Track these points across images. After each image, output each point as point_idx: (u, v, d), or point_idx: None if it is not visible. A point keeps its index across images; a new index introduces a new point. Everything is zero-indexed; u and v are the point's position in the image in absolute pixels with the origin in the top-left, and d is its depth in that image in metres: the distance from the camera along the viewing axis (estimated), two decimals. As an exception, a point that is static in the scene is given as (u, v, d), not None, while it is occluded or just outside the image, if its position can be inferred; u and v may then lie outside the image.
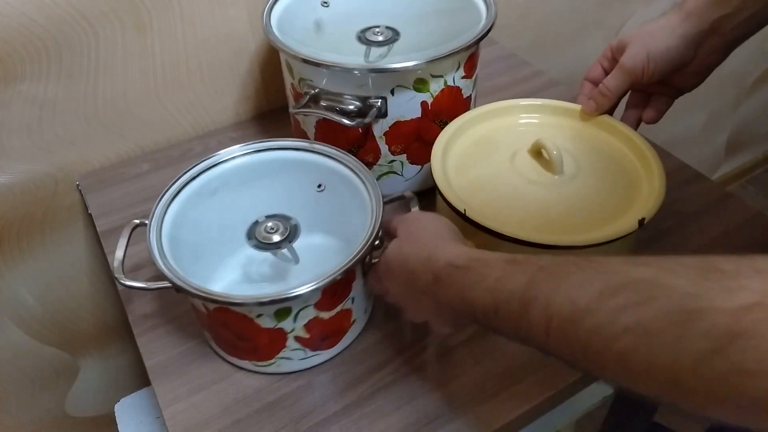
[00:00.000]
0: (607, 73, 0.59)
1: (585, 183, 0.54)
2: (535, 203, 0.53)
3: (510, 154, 0.57)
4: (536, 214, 0.52)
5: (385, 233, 0.50)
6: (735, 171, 1.77)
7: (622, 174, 0.55)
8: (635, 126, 0.60)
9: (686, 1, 0.53)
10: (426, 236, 0.45)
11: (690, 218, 0.64)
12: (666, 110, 0.60)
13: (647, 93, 0.60)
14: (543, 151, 0.55)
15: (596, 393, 1.02)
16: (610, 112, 0.61)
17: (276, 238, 0.54)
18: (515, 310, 0.35)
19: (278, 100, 0.79)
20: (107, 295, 0.83)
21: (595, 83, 0.60)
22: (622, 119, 0.61)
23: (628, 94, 0.60)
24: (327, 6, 0.68)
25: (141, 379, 0.95)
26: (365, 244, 0.47)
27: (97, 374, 0.91)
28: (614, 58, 0.58)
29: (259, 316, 0.47)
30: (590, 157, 0.57)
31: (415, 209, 0.53)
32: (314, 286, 0.45)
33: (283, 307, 0.46)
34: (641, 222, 0.48)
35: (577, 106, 0.61)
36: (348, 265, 0.46)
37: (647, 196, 0.51)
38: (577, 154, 0.56)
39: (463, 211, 0.50)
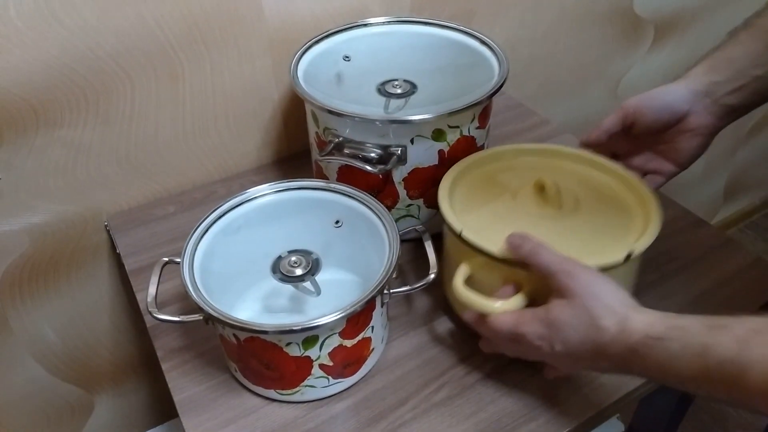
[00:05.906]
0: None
1: (584, 217, 0.57)
2: (535, 233, 0.55)
3: (512, 193, 0.59)
4: None
5: (545, 275, 0.47)
6: (733, 216, 1.80)
7: (620, 210, 0.58)
8: None
9: (689, 69, 0.59)
10: (604, 303, 0.44)
11: (693, 263, 0.67)
12: (659, 187, 0.63)
13: (644, 171, 0.63)
14: (544, 187, 0.57)
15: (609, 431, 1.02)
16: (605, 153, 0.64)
17: (299, 271, 0.57)
18: (728, 375, 0.37)
19: (298, 146, 0.83)
20: (126, 332, 0.85)
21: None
22: None
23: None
24: (348, 60, 0.72)
25: (154, 417, 0.96)
26: (386, 275, 0.51)
27: (111, 412, 0.92)
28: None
29: (288, 344, 0.49)
30: (589, 195, 0.59)
31: (585, 268, 0.47)
32: (341, 315, 0.48)
33: (311, 335, 0.49)
34: (628, 256, 0.51)
35: (573, 150, 0.63)
36: (370, 295, 0.49)
37: (641, 232, 0.54)
38: (576, 192, 0.59)
39: (459, 232, 0.53)
